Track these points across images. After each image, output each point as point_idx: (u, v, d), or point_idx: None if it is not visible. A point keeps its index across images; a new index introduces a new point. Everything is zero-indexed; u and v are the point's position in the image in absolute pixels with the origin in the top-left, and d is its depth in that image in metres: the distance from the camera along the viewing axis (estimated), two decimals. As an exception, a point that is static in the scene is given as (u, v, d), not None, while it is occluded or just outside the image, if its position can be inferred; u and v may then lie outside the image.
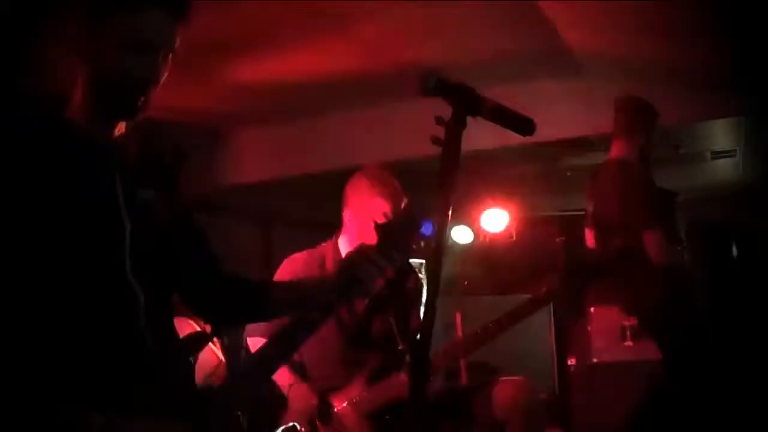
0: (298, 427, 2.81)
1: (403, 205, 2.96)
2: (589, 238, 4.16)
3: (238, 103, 5.49)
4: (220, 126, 6.21)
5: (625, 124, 4.03)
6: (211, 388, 1.94)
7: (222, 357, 3.70)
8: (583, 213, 4.29)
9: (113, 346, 1.73)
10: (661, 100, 4.15)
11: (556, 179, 7.42)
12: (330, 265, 3.04)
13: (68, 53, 1.80)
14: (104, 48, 1.75)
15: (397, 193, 2.97)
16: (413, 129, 4.92)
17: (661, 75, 4.83)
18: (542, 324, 7.25)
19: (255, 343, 3.07)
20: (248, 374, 1.96)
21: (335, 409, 2.88)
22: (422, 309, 3.08)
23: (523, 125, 1.61)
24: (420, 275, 4.26)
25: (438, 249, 1.56)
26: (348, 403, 2.87)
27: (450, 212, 1.56)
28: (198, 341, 1.98)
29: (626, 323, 5.07)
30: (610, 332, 5.27)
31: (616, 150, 4.06)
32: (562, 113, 5.24)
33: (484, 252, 7.96)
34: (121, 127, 1.85)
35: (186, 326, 3.86)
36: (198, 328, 3.86)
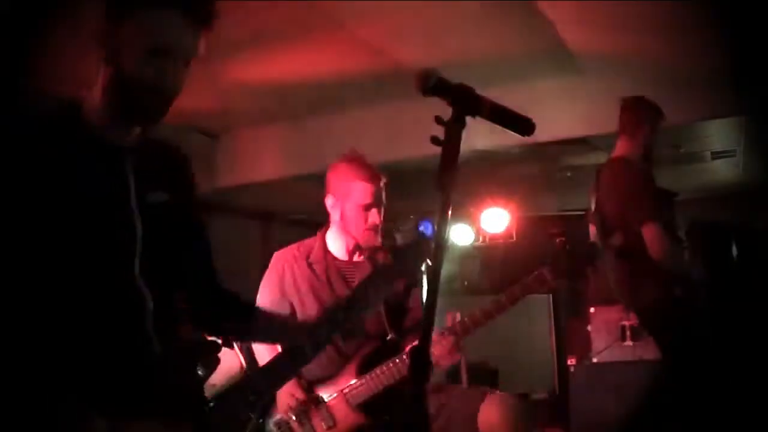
0: (290, 419, 2.82)
1: (382, 184, 2.96)
2: (592, 233, 4.18)
3: (238, 103, 5.50)
4: (220, 127, 6.21)
5: (630, 123, 4.05)
6: (220, 393, 1.94)
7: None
8: (583, 213, 4.29)
9: (120, 349, 1.73)
10: (661, 100, 4.15)
11: (556, 179, 7.42)
12: (316, 257, 3.04)
13: (88, 55, 1.79)
14: (123, 51, 1.73)
15: (376, 174, 2.97)
16: (413, 129, 4.93)
17: (661, 75, 4.83)
18: (542, 324, 7.26)
19: (259, 349, 3.07)
20: (259, 381, 1.98)
21: (326, 401, 2.88)
22: (419, 297, 3.09)
23: (523, 125, 1.61)
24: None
25: (438, 249, 1.55)
26: (339, 394, 2.87)
27: (450, 212, 1.56)
28: (204, 346, 1.99)
29: (626, 323, 5.07)
30: (610, 332, 5.28)
31: (620, 148, 4.08)
32: (562, 113, 5.24)
33: (484, 252, 7.96)
34: (137, 131, 1.84)
35: None
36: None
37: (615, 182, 4.02)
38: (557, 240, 4.26)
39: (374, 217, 2.94)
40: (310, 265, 3.04)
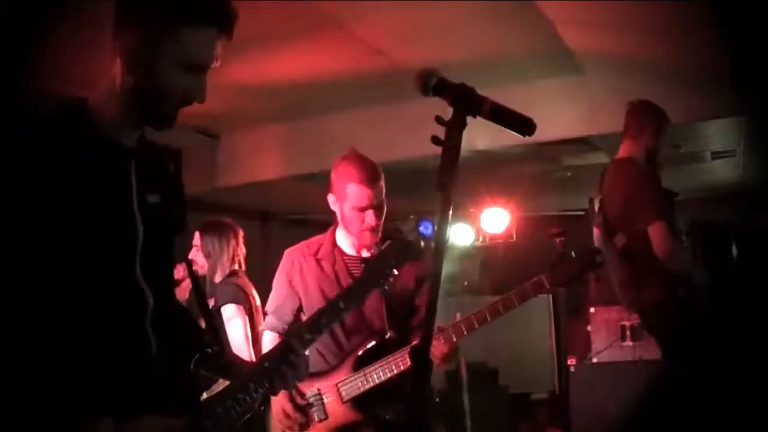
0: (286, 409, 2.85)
1: (380, 186, 2.95)
2: (596, 234, 4.18)
3: (238, 103, 5.50)
4: (220, 127, 6.22)
5: (635, 126, 4.06)
6: (220, 392, 1.95)
7: None
8: (583, 213, 4.30)
9: (120, 348, 1.73)
10: (661, 100, 4.15)
11: (556, 179, 7.43)
12: (324, 254, 3.06)
13: (88, 55, 1.79)
14: (157, 63, 1.73)
15: (373, 176, 2.95)
16: (413, 129, 4.94)
17: (661, 75, 4.83)
18: (542, 324, 7.26)
19: (271, 338, 3.12)
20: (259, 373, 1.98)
21: (321, 394, 2.91)
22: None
23: (523, 125, 1.61)
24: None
25: (438, 249, 1.55)
26: (332, 388, 2.91)
27: (450, 212, 1.56)
28: (202, 344, 1.99)
29: (626, 323, 5.08)
30: (610, 332, 5.28)
31: (624, 150, 4.09)
32: (562, 113, 5.25)
33: (484, 252, 7.97)
34: (139, 132, 1.85)
35: None
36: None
37: (620, 183, 4.03)
38: (558, 241, 4.25)
39: (370, 218, 2.94)
40: (318, 261, 3.06)
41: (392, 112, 5.63)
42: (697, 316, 3.98)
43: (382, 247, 2.48)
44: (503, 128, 1.62)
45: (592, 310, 5.23)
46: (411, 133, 4.95)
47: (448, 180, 1.54)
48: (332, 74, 5.03)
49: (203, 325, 2.15)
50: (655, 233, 3.78)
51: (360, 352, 2.93)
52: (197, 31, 1.75)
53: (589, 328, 5.37)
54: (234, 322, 3.92)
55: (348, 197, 2.95)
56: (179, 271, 3.78)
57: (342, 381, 2.91)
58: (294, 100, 5.56)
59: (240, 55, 4.58)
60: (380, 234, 3.02)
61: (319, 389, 2.93)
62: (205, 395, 2.03)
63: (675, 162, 6.07)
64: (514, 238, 7.61)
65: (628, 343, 5.15)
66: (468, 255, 7.83)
